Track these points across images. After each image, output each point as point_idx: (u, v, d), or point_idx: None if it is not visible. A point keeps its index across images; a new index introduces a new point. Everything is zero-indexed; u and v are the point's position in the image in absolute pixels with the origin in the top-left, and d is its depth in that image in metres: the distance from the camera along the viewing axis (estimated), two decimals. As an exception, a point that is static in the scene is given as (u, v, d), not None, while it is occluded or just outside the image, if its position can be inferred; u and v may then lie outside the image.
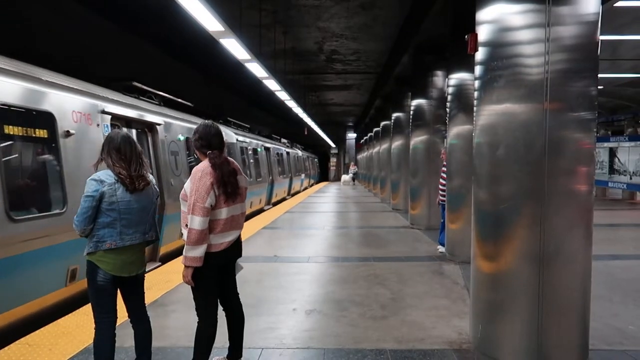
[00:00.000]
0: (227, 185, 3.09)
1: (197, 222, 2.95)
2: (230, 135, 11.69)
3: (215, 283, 3.24)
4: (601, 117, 20.36)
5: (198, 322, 3.22)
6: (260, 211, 15.05)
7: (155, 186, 3.28)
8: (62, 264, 4.76)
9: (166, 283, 5.73)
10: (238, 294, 3.54)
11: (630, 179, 17.32)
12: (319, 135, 27.40)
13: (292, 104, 13.30)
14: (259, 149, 15.27)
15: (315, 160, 38.69)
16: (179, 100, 9.39)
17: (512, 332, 3.57)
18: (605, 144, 18.68)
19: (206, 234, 3.01)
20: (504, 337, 3.61)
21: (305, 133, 23.74)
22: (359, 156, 35.82)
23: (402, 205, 13.71)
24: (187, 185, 3.09)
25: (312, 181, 33.90)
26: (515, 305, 3.54)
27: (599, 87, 3.52)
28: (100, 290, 2.97)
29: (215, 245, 3.09)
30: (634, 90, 15.69)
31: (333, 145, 38.64)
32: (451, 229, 7.45)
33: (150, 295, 5.18)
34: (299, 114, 15.98)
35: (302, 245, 8.61)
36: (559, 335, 3.44)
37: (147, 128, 7.16)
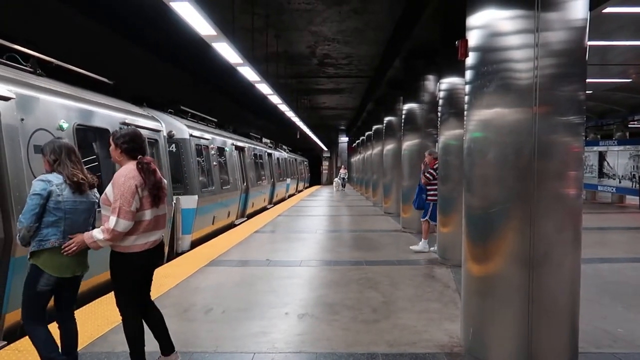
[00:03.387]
0: (158, 189, 3.22)
1: (122, 225, 3.03)
2: (180, 129, 9.08)
3: (138, 282, 3.31)
4: (590, 121, 20.56)
5: (122, 321, 3.30)
6: (229, 226, 11.94)
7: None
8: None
9: (158, 287, 5.69)
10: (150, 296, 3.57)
11: (619, 182, 17.50)
12: (312, 139, 27.42)
13: (284, 107, 13.31)
14: (226, 149, 12.32)
15: (305, 163, 37.95)
16: (82, 71, 6.22)
17: (502, 335, 3.59)
18: (595, 148, 18.87)
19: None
20: (495, 340, 3.64)
21: (298, 136, 23.71)
22: (352, 159, 35.80)
23: (394, 209, 13.74)
24: (109, 189, 3.15)
25: (301, 186, 32.84)
26: (506, 309, 3.56)
27: (588, 91, 3.57)
28: (40, 295, 3.07)
29: (139, 245, 3.18)
30: (623, 94, 15.87)
31: (325, 148, 38.67)
32: (443, 232, 7.48)
33: (141, 299, 5.15)
34: (291, 118, 15.98)
35: (294, 249, 8.60)
36: (549, 338, 3.46)
37: None
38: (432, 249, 8.01)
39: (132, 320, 3.29)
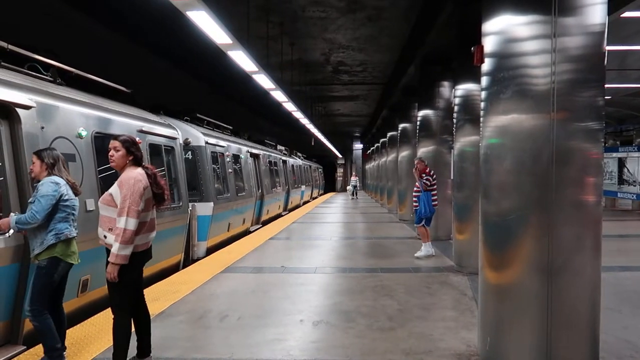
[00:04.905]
0: (163, 190, 3.54)
1: (132, 223, 3.25)
2: (196, 136, 9.19)
3: (135, 280, 3.54)
4: (609, 127, 20.23)
5: (114, 318, 3.42)
6: (245, 233, 11.95)
7: None
8: None
9: (174, 294, 5.74)
10: (143, 294, 3.75)
11: (640, 189, 17.15)
12: (326, 146, 27.43)
13: (298, 114, 13.35)
14: (241, 156, 12.37)
15: (320, 170, 37.88)
16: (100, 80, 6.24)
17: (520, 345, 3.54)
18: (614, 154, 18.54)
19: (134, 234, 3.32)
20: (513, 349, 3.58)
21: (312, 143, 23.73)
22: (366, 166, 35.70)
23: (409, 216, 13.65)
24: (115, 190, 3.36)
25: (316, 192, 32.76)
26: (524, 318, 3.51)
27: (606, 97, 3.52)
28: (52, 283, 3.53)
29: (141, 245, 3.42)
30: (642, 100, 15.61)
31: (340, 155, 38.66)
32: (459, 239, 7.42)
33: (158, 306, 5.19)
34: (306, 125, 16.02)
35: (309, 256, 8.59)
36: (569, 348, 3.40)
37: None
38: (431, 251, 8.22)
39: (125, 319, 3.43)
